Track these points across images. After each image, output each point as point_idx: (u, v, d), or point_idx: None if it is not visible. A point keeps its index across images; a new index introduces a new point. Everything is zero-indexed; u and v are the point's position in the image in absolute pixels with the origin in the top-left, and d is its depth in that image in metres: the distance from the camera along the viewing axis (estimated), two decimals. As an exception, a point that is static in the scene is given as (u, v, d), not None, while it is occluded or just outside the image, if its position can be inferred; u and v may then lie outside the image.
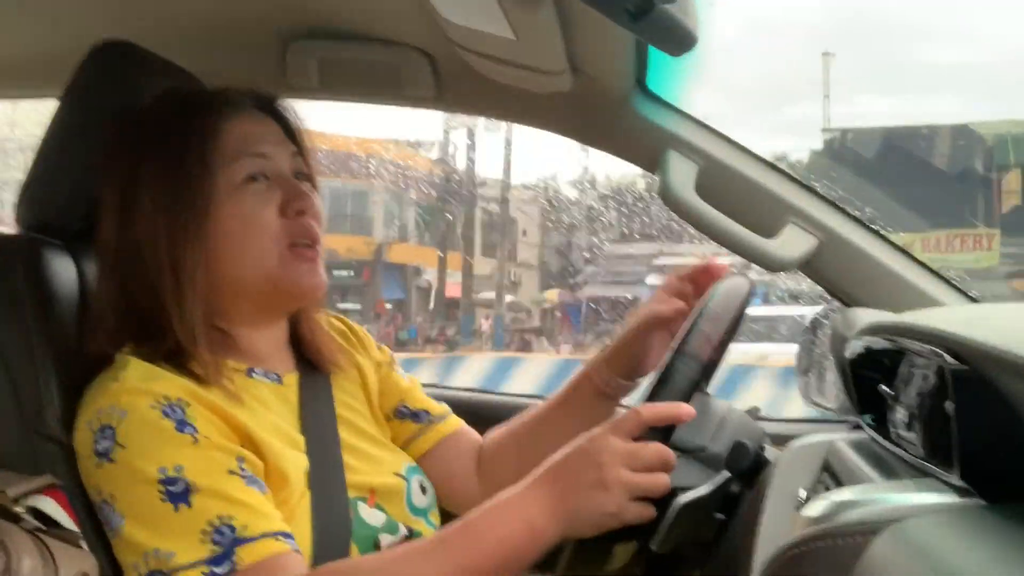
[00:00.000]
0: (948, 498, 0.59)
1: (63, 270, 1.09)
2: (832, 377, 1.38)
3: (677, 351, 0.96)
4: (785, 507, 0.80)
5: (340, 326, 1.24)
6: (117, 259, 1.03)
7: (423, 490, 1.17)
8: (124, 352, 1.00)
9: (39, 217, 1.13)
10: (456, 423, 1.27)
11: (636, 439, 0.91)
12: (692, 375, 0.96)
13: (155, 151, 1.03)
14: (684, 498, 0.91)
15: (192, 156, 1.01)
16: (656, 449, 0.91)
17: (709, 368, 1.02)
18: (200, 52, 1.32)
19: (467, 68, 1.40)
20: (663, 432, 0.92)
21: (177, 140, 1.02)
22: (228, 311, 1.07)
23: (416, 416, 1.24)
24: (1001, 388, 0.55)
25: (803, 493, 0.80)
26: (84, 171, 1.11)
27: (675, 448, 0.95)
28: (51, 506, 0.93)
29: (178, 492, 0.91)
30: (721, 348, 1.04)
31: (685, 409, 0.92)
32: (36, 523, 0.91)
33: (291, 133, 1.10)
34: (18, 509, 0.91)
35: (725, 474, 0.97)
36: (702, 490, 0.93)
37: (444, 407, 1.28)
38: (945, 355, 0.60)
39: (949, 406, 0.58)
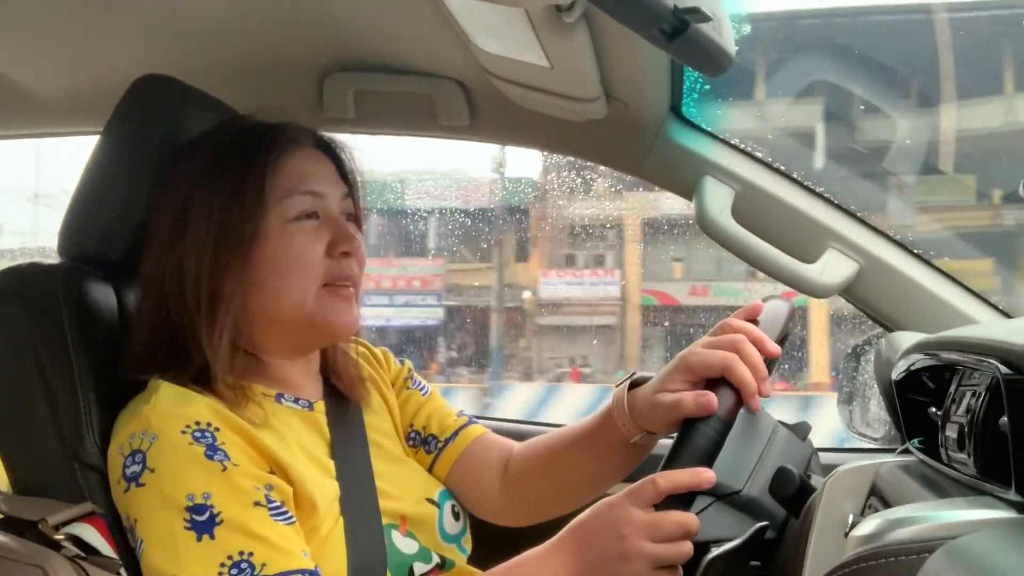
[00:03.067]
0: (1004, 514, 0.57)
1: (104, 300, 1.10)
2: (876, 406, 1.35)
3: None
4: (833, 534, 0.77)
5: (364, 351, 1.24)
6: (160, 281, 1.04)
7: (456, 516, 1.16)
8: (155, 377, 1.01)
9: (81, 248, 1.14)
10: (475, 432, 1.23)
11: (658, 507, 0.89)
12: (715, 435, 0.92)
13: (210, 180, 1.04)
14: (713, 553, 0.88)
15: (248, 188, 1.03)
16: (677, 519, 0.89)
17: (728, 429, 0.98)
18: (238, 85, 1.34)
19: (501, 97, 1.40)
20: (684, 499, 0.89)
21: (235, 171, 1.04)
22: (261, 341, 1.07)
23: (425, 443, 1.22)
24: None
25: (852, 518, 0.78)
26: (125, 203, 1.12)
27: (707, 493, 0.92)
28: (91, 533, 0.93)
29: (203, 522, 0.90)
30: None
31: (704, 476, 0.89)
32: (76, 550, 0.91)
33: (344, 174, 1.11)
34: (59, 536, 0.91)
35: (759, 525, 0.93)
36: (734, 543, 0.89)
37: (463, 419, 1.25)
38: (999, 365, 0.58)
39: (1003, 421, 0.56)
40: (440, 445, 1.21)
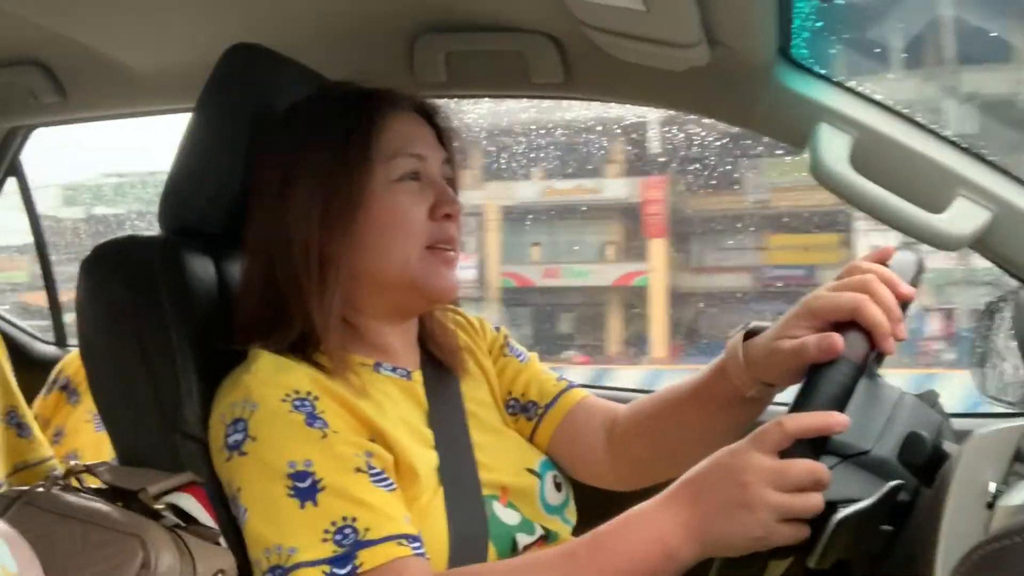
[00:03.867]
0: None
1: (203, 271, 1.11)
2: (1012, 368, 1.25)
3: None
4: (972, 504, 0.69)
5: (460, 320, 1.23)
6: (265, 247, 1.05)
7: (558, 487, 1.13)
8: (255, 346, 1.01)
9: (180, 220, 1.15)
10: (577, 395, 1.20)
11: (783, 454, 0.82)
12: (846, 380, 0.85)
13: (316, 142, 1.05)
14: (843, 513, 0.80)
15: (354, 149, 1.03)
16: (806, 467, 0.81)
17: (862, 372, 0.90)
18: (328, 51, 1.32)
19: (596, 50, 1.34)
20: (814, 445, 0.82)
21: (340, 132, 1.04)
22: (363, 305, 1.07)
23: (525, 410, 1.19)
24: None
25: (993, 487, 0.69)
26: (223, 174, 1.13)
27: (833, 453, 0.85)
28: (191, 503, 0.94)
29: (305, 488, 0.90)
30: (875, 359, 0.92)
31: (837, 419, 0.82)
32: (176, 520, 0.92)
33: (443, 140, 1.11)
34: (159, 506, 0.92)
35: (892, 484, 0.85)
36: (864, 503, 0.81)
37: (563, 383, 1.21)
38: None
39: None
40: (541, 411, 1.18)
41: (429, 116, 1.12)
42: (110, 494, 0.95)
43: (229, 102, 1.15)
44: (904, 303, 0.91)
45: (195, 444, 1.01)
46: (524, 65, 1.42)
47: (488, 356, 1.22)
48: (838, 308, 0.90)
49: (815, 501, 0.81)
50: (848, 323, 0.89)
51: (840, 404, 0.84)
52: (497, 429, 1.15)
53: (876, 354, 0.90)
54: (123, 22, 1.43)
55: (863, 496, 0.81)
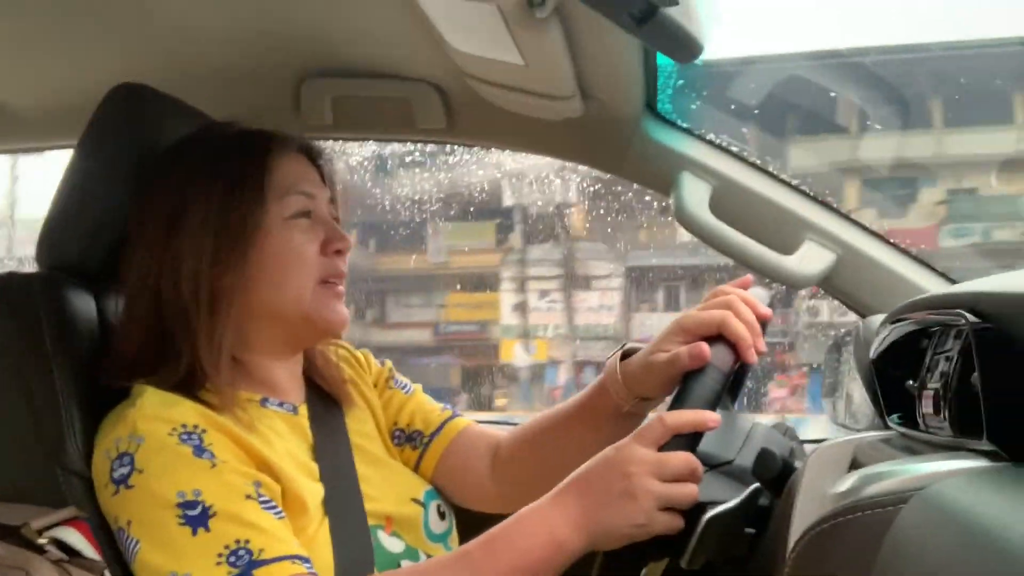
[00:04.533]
0: (978, 463, 0.57)
1: (83, 306, 1.10)
2: (860, 396, 1.36)
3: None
4: (816, 507, 0.77)
5: (345, 354, 1.25)
6: (152, 284, 1.04)
7: (442, 516, 1.16)
8: (139, 383, 1.01)
9: (60, 257, 1.14)
10: (461, 424, 1.24)
11: (662, 448, 0.90)
12: (715, 385, 0.94)
13: (207, 178, 1.05)
14: (712, 512, 0.89)
15: (247, 186, 1.05)
16: (683, 458, 0.90)
17: (733, 380, 1.00)
18: (215, 93, 1.34)
19: (478, 99, 1.41)
20: (689, 441, 0.90)
21: (233, 170, 1.06)
22: (253, 340, 1.08)
23: (411, 439, 1.22)
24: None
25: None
26: (103, 212, 1.12)
27: (701, 463, 0.93)
28: (75, 537, 0.93)
29: (196, 516, 0.90)
30: (740, 370, 1.02)
31: (710, 416, 0.91)
32: (60, 554, 0.90)
33: (326, 179, 1.14)
34: (42, 540, 0.91)
35: (753, 486, 0.95)
36: (730, 504, 0.90)
37: (447, 412, 1.25)
38: (967, 314, 0.59)
39: (975, 377, 0.57)
40: (426, 440, 1.22)
41: (314, 157, 1.15)
42: (-10, 530, 0.93)
43: (112, 141, 1.15)
44: (763, 323, 1.01)
45: (78, 479, 1.00)
46: (409, 111, 1.48)
47: (373, 389, 1.24)
48: (706, 323, 1.00)
49: (691, 490, 0.89)
50: (715, 337, 0.99)
51: (711, 406, 0.94)
52: (382, 460, 1.17)
53: (740, 364, 1.00)
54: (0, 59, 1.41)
55: (729, 499, 0.90)
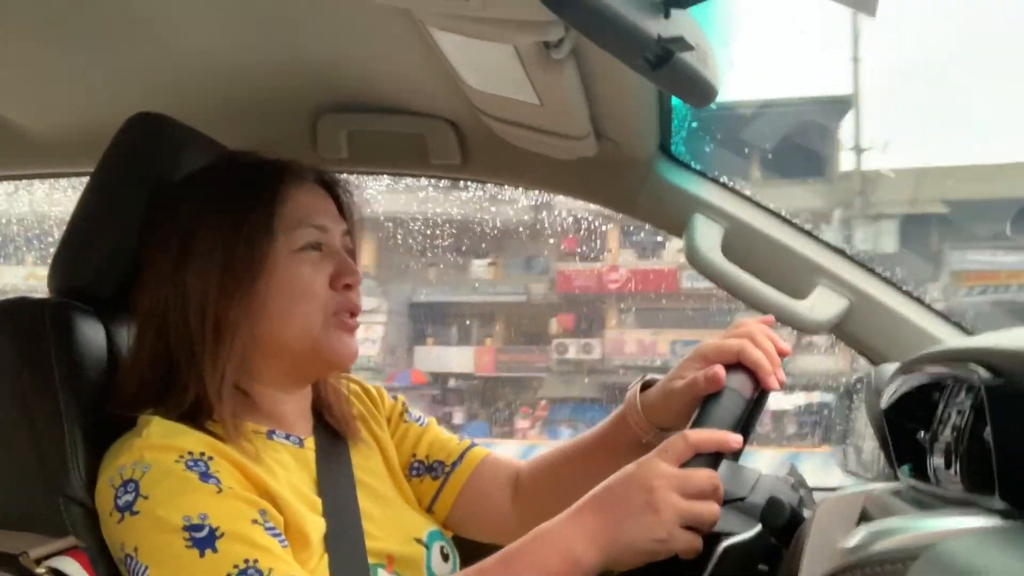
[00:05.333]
0: (989, 521, 0.56)
1: (93, 335, 1.10)
2: (871, 445, 1.34)
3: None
4: (824, 560, 0.76)
5: (356, 388, 1.25)
6: (160, 313, 1.04)
7: (445, 557, 1.14)
8: (146, 413, 1.01)
9: (71, 283, 1.14)
10: (481, 453, 1.24)
11: (683, 465, 0.90)
12: (736, 409, 0.95)
13: (218, 209, 1.06)
14: (729, 541, 0.89)
15: (256, 217, 1.05)
16: (707, 475, 0.90)
17: (749, 409, 1.01)
18: (232, 125, 1.35)
19: (492, 136, 1.42)
20: (711, 460, 0.90)
21: (243, 200, 1.06)
22: (259, 372, 1.08)
23: (431, 470, 1.23)
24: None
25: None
26: (117, 240, 1.13)
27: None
28: (73, 567, 0.92)
29: (203, 538, 0.90)
30: (760, 393, 1.03)
31: (733, 436, 0.92)
32: (57, 584, 0.90)
33: (343, 211, 1.14)
34: (40, 571, 0.90)
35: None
36: (747, 535, 0.91)
37: (465, 442, 1.26)
38: (980, 369, 0.58)
39: (988, 433, 0.56)
40: (448, 469, 1.22)
41: (331, 188, 1.15)
42: (-12, 558, 0.92)
43: (129, 169, 1.16)
44: (781, 356, 1.03)
45: (80, 508, 0.99)
46: (423, 146, 1.49)
47: (384, 425, 1.24)
48: (724, 351, 1.02)
49: (714, 508, 0.89)
50: (734, 365, 1.01)
51: (733, 428, 0.95)
52: (386, 498, 1.16)
53: (760, 391, 1.01)
54: (18, 81, 1.43)
55: (744, 532, 0.90)
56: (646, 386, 1.11)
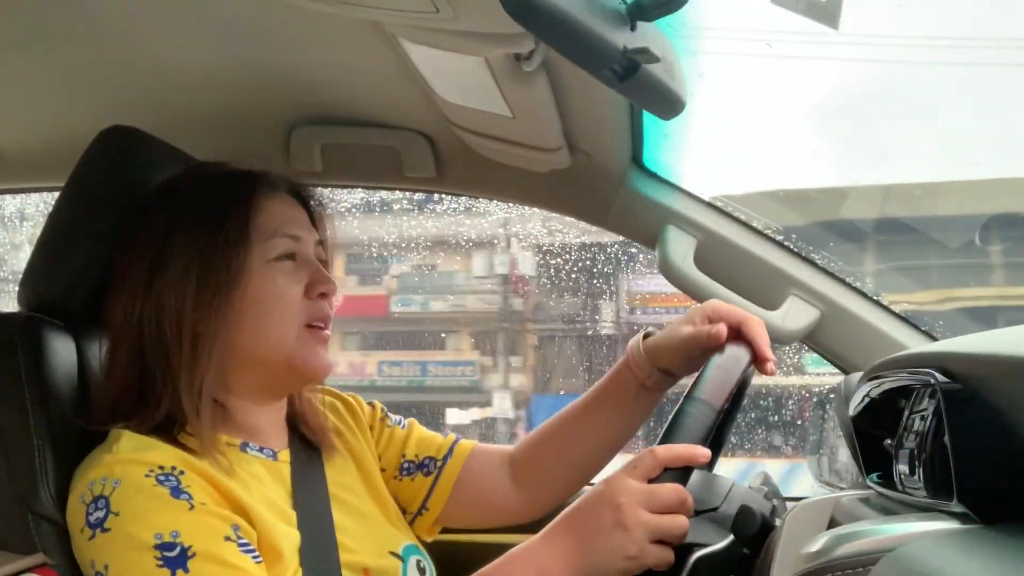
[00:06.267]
0: (948, 524, 0.57)
1: (63, 349, 1.09)
2: (844, 455, 1.35)
3: (690, 396, 0.96)
4: (793, 565, 0.77)
5: (332, 401, 1.24)
6: (134, 326, 1.04)
7: (421, 571, 1.14)
8: (117, 427, 1.00)
9: (42, 297, 1.13)
10: (466, 447, 1.25)
11: (652, 481, 0.90)
12: (707, 420, 0.96)
13: (192, 219, 1.05)
14: (700, 552, 0.90)
15: (231, 227, 1.04)
16: (674, 489, 0.90)
17: (720, 421, 1.01)
18: (204, 137, 1.35)
19: (466, 149, 1.43)
20: (679, 475, 0.91)
21: (217, 210, 1.05)
22: (234, 384, 1.07)
23: (423, 467, 1.24)
24: (992, 404, 0.54)
25: (808, 548, 0.78)
26: (88, 254, 1.12)
27: None
28: (41, 585, 0.91)
29: (174, 557, 0.89)
30: (731, 407, 1.04)
31: (701, 451, 0.92)
32: (25, 602, 0.88)
33: (315, 222, 1.14)
34: (7, 588, 0.89)
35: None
36: (718, 546, 0.91)
37: (450, 436, 1.27)
38: (937, 374, 0.59)
39: (947, 438, 0.57)
40: (440, 464, 1.23)
41: (303, 199, 1.15)
42: (-47, 576, 0.91)
43: (100, 183, 1.15)
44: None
45: (49, 525, 0.98)
46: (397, 159, 1.49)
47: (366, 434, 1.23)
48: (731, 315, 1.07)
49: (682, 522, 0.89)
50: (734, 337, 1.04)
51: (702, 441, 0.95)
52: (361, 512, 1.15)
53: (729, 408, 1.03)
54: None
55: (715, 543, 0.90)
56: (647, 336, 1.15)
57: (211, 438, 1.00)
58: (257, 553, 0.95)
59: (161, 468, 0.94)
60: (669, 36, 0.89)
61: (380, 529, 1.15)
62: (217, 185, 1.09)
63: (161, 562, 0.89)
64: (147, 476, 0.93)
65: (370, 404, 1.27)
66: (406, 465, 1.23)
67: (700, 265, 1.43)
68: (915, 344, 1.36)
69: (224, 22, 1.20)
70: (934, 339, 1.41)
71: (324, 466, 1.15)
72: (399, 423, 1.27)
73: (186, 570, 0.89)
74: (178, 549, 0.89)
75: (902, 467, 0.70)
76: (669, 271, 1.42)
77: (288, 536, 1.00)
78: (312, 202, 1.15)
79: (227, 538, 0.92)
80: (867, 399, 0.84)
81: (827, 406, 1.48)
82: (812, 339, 1.43)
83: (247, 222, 1.05)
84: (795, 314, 1.42)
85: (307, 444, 1.15)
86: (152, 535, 0.90)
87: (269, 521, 0.98)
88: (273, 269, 1.06)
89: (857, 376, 1.14)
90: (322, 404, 1.21)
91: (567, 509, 0.93)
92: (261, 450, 1.08)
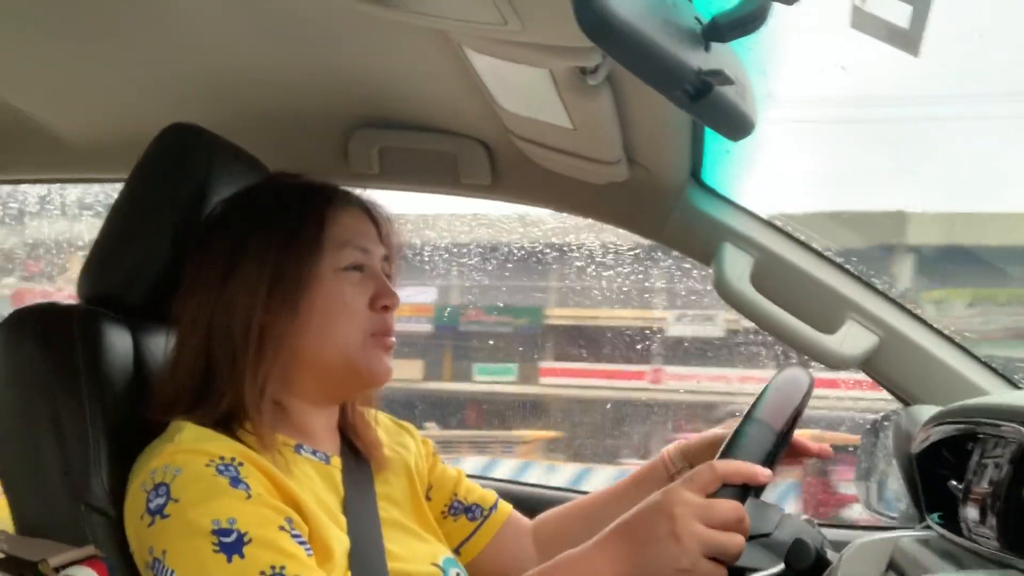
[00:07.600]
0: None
1: (120, 342, 1.10)
2: (896, 484, 1.32)
3: (748, 416, 0.95)
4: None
5: (387, 422, 1.27)
6: (204, 323, 1.06)
7: None
8: (177, 419, 1.02)
9: (101, 290, 1.15)
10: (507, 509, 1.30)
11: (710, 495, 0.89)
12: (765, 442, 0.94)
13: (268, 225, 1.08)
14: (757, 575, 0.88)
15: (306, 235, 1.08)
16: (732, 506, 0.89)
17: (778, 444, 1.00)
18: (264, 136, 1.36)
19: (523, 158, 1.42)
20: (738, 492, 0.89)
21: (294, 219, 1.09)
22: (295, 385, 1.09)
23: (470, 511, 1.28)
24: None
25: (868, 594, 0.76)
26: (148, 248, 1.14)
27: None
28: (90, 577, 0.92)
29: (231, 543, 0.91)
30: (788, 428, 1.02)
31: (761, 470, 0.91)
32: (74, 594, 0.90)
33: (383, 238, 1.16)
34: (57, 579, 0.90)
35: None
36: (771, 571, 0.89)
37: (493, 494, 1.31)
38: (1021, 428, 0.56)
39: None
40: (485, 513, 1.29)
41: (374, 215, 1.17)
42: (7, 564, 0.93)
43: (163, 178, 1.16)
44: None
45: (101, 517, 1.00)
46: (454, 165, 1.49)
47: (415, 459, 1.26)
48: None
49: (738, 540, 0.88)
50: None
51: (763, 462, 0.94)
52: (403, 526, 1.16)
53: (789, 426, 1.03)
54: (56, 88, 1.44)
55: (768, 568, 0.88)
56: None
57: (270, 436, 1.03)
58: (309, 547, 0.97)
59: (221, 458, 0.96)
60: (741, 54, 0.88)
61: (420, 542, 1.17)
62: (295, 195, 1.12)
63: (218, 547, 0.90)
64: (207, 465, 0.95)
65: (424, 440, 1.31)
66: (456, 504, 1.27)
67: (756, 285, 1.40)
68: (976, 377, 1.32)
69: (292, 25, 1.21)
70: (994, 371, 1.37)
71: (373, 477, 1.16)
72: (448, 464, 1.31)
73: (242, 556, 0.90)
74: (235, 535, 0.91)
75: (971, 513, 0.67)
76: (724, 289, 1.39)
77: (339, 539, 1.02)
78: (381, 219, 1.17)
79: (281, 528, 0.94)
80: (933, 439, 0.81)
81: (879, 433, 1.44)
82: (870, 366, 1.40)
83: (321, 231, 1.08)
84: (853, 339, 1.39)
85: (357, 454, 1.16)
86: (210, 521, 0.91)
87: (322, 520, 1.00)
88: (341, 278, 1.09)
89: (918, 409, 1.12)
90: (375, 421, 1.23)
91: (623, 516, 0.92)
92: (314, 453, 1.10)
